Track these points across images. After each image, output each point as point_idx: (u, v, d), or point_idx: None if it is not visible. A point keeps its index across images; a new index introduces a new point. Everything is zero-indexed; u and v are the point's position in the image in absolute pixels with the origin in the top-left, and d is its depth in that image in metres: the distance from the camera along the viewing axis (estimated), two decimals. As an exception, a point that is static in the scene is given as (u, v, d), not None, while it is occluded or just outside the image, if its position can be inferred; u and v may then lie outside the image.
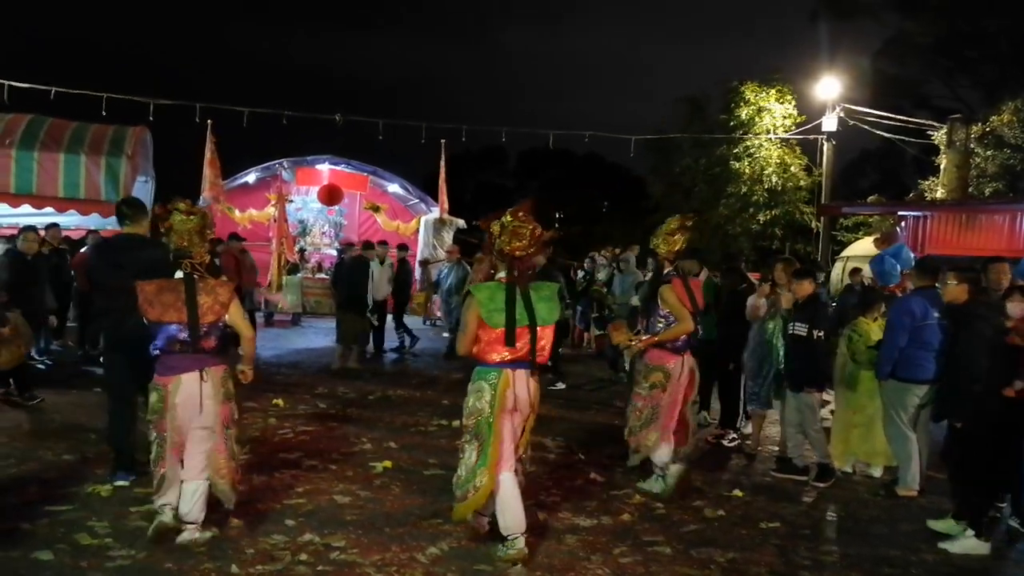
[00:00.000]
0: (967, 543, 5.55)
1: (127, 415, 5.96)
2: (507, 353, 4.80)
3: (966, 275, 5.97)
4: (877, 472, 7.23)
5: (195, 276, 4.88)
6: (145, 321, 4.82)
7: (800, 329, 6.89)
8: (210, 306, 4.84)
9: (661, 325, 6.30)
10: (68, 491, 5.60)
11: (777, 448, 7.75)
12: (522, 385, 4.86)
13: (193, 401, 4.76)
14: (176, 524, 4.84)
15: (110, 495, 5.56)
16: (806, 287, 6.99)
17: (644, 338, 6.38)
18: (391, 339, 13.99)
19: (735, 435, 8.32)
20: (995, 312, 5.77)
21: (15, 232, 11.66)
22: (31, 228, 9.94)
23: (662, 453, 6.31)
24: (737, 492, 6.57)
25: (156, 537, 4.79)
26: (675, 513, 5.97)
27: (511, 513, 4.84)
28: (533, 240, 4.91)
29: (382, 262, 13.89)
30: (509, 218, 4.93)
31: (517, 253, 4.87)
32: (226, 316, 4.95)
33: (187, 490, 4.83)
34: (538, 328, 4.85)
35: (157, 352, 4.85)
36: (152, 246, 5.88)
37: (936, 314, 6.54)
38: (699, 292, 6.53)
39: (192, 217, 4.95)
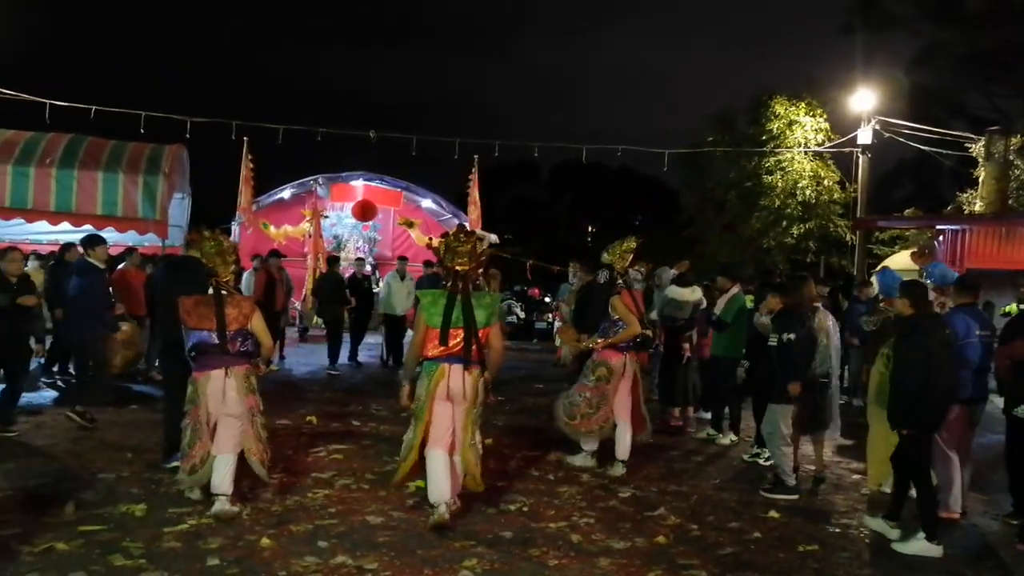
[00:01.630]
0: (918, 545, 5.74)
1: (180, 407, 6.12)
2: (442, 349, 5.58)
3: (909, 290, 6.14)
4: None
5: (223, 292, 5.77)
6: (184, 328, 5.80)
7: (773, 340, 7.09)
8: (235, 317, 5.76)
9: (615, 330, 7.26)
10: (104, 511, 5.64)
11: (813, 467, 7.65)
12: (456, 378, 5.60)
13: (218, 392, 5.67)
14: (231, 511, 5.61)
15: (144, 515, 5.59)
16: (774, 302, 7.34)
17: (599, 340, 7.35)
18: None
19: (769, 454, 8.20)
20: (937, 324, 6.09)
21: (55, 249, 11.87)
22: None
23: (592, 441, 7.44)
24: (773, 513, 6.46)
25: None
26: (710, 535, 5.88)
27: (436, 486, 5.57)
28: (472, 257, 5.73)
29: (402, 277, 13.98)
30: (451, 238, 5.82)
31: (458, 268, 5.70)
32: (249, 325, 5.81)
33: (219, 463, 5.68)
34: (475, 330, 5.62)
35: (193, 353, 5.76)
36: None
37: (978, 331, 6.55)
38: (640, 301, 7.66)
39: (217, 243, 5.87)
